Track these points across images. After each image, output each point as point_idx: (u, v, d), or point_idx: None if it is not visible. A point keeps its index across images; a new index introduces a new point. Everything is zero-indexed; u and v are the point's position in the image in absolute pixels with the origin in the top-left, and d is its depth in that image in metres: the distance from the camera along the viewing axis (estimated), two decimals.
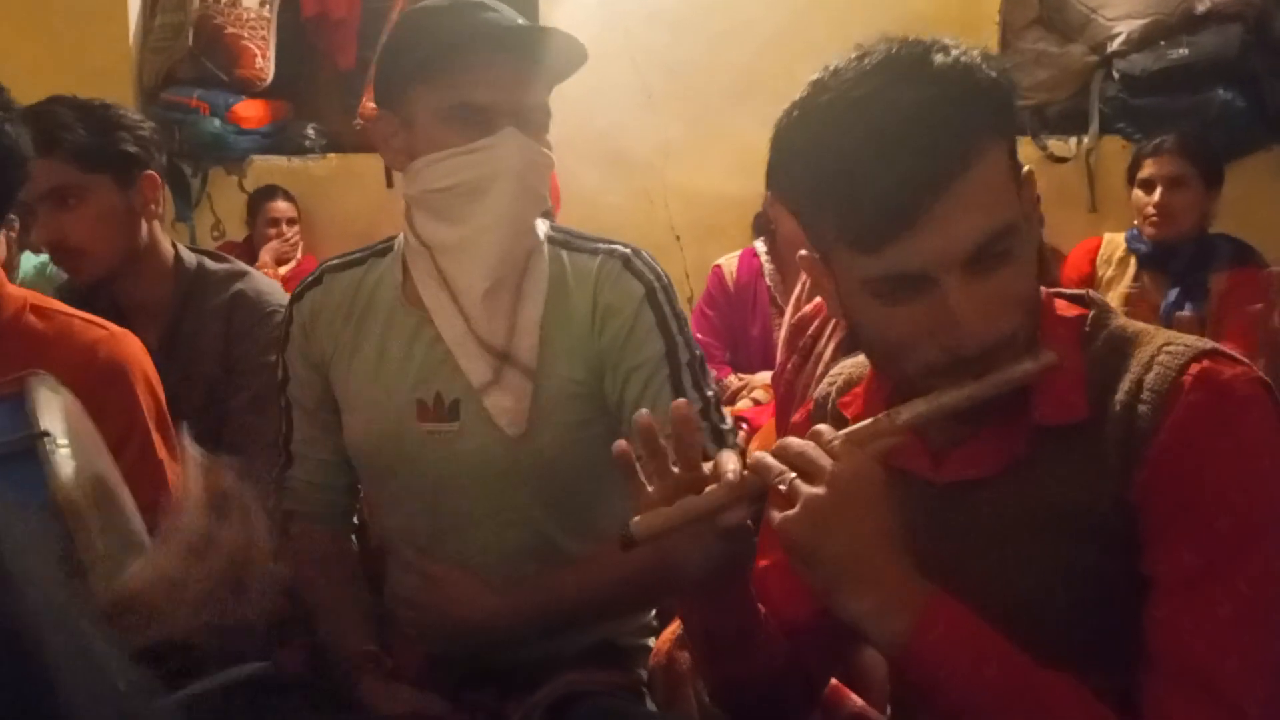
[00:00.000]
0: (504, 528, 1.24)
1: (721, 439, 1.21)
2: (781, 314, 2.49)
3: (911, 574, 0.81)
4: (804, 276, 2.34)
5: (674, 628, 1.22)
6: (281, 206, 3.83)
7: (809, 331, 2.30)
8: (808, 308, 2.32)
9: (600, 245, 1.26)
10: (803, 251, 0.90)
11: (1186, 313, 2.61)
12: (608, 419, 1.24)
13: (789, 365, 2.30)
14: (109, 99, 1.65)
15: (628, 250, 1.26)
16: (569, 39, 1.20)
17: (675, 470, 0.85)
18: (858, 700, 1.08)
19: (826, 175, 0.81)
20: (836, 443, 0.81)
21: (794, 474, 0.81)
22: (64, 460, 0.70)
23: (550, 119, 1.24)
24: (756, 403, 2.58)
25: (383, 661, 1.20)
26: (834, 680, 1.08)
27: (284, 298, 1.72)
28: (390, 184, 3.92)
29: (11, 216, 2.14)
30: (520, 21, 1.21)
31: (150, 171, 1.63)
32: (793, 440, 0.83)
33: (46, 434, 0.71)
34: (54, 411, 0.75)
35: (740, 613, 0.95)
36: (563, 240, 1.28)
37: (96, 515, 0.68)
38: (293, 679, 1.27)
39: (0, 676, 0.30)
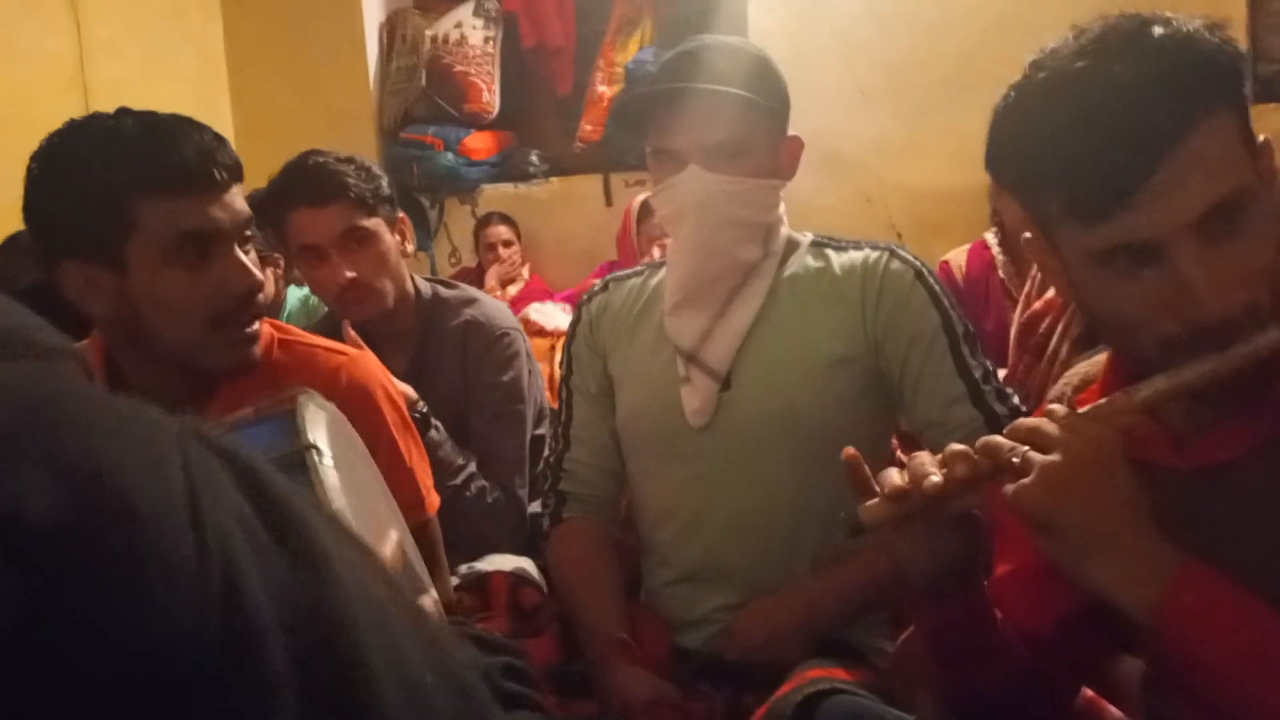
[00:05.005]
0: (768, 489, 1.32)
1: (1004, 399, 1.30)
2: (1016, 306, 2.37)
3: (1158, 539, 0.78)
4: (1034, 271, 2.23)
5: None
6: (498, 231, 4.05)
7: (1040, 329, 2.18)
8: (1038, 305, 2.21)
9: (864, 242, 1.40)
10: (1027, 234, 0.89)
11: None
12: (874, 396, 1.33)
13: (1020, 366, 2.19)
14: (353, 139, 1.79)
15: (890, 245, 1.38)
16: (750, 81, 1.29)
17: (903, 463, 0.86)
18: (1116, 711, 1.03)
19: (1046, 149, 0.81)
20: (1071, 418, 0.80)
21: (1026, 447, 0.80)
22: (328, 472, 0.75)
23: (760, 147, 1.31)
24: None
25: (633, 650, 1.29)
26: (1089, 691, 1.04)
27: (512, 320, 1.84)
28: (610, 203, 4.05)
29: (277, 255, 2.36)
30: (687, 84, 1.29)
31: (401, 213, 1.79)
32: (1023, 420, 0.83)
33: (315, 447, 0.76)
34: (320, 426, 0.79)
35: (973, 617, 0.93)
36: (826, 242, 1.41)
37: (356, 524, 0.72)
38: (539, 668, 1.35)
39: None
